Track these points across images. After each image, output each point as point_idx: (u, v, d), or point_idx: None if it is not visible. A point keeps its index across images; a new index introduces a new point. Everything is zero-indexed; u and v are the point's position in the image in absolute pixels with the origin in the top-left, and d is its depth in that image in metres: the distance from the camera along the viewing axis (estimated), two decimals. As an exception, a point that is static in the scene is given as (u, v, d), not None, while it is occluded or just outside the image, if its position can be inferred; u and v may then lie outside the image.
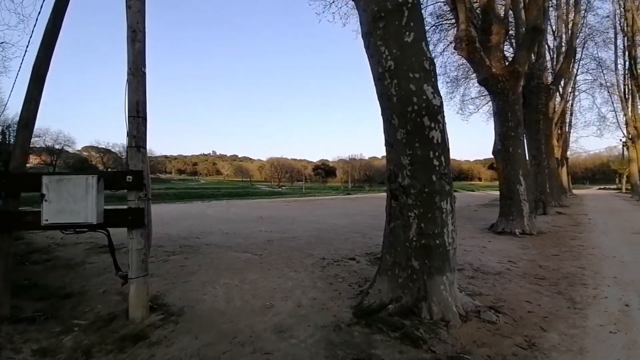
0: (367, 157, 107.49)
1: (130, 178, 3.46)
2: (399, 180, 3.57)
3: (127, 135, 3.58)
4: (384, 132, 3.80)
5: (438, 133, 3.43)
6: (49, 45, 3.31)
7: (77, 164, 68.68)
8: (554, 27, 20.90)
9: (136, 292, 3.50)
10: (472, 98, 24.94)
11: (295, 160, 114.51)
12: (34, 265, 5.78)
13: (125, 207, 3.53)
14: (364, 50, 3.91)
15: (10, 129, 54.76)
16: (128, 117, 3.58)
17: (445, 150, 3.50)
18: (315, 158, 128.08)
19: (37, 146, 63.87)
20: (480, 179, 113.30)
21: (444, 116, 3.54)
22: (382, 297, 3.61)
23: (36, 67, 3.27)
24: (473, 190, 62.19)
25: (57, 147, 65.66)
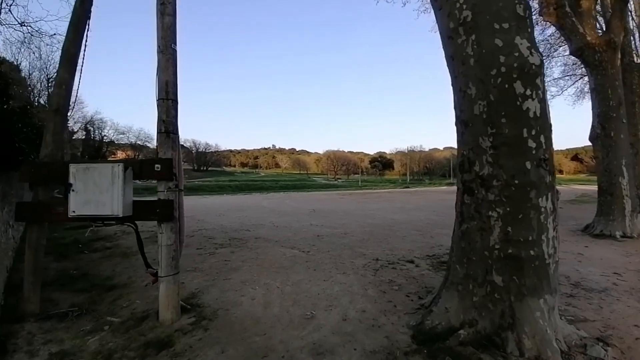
0: (427, 149, 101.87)
1: (158, 167, 3.15)
2: (476, 169, 2.71)
3: (157, 119, 3.28)
4: (455, 108, 2.95)
5: (535, 103, 2.50)
6: (78, 26, 3.13)
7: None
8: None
9: (166, 292, 3.20)
10: (554, 79, 21.47)
11: (352, 152, 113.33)
12: (93, 253, 6.03)
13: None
14: (430, 3, 3.08)
15: (93, 125, 62.50)
16: (157, 99, 3.28)
17: (546, 126, 2.56)
18: (372, 150, 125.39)
19: (123, 142, 72.88)
20: (561, 172, 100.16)
21: (543, 80, 2.58)
22: (450, 318, 2.82)
23: (65, 49, 3.10)
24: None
25: (139, 143, 73.88)
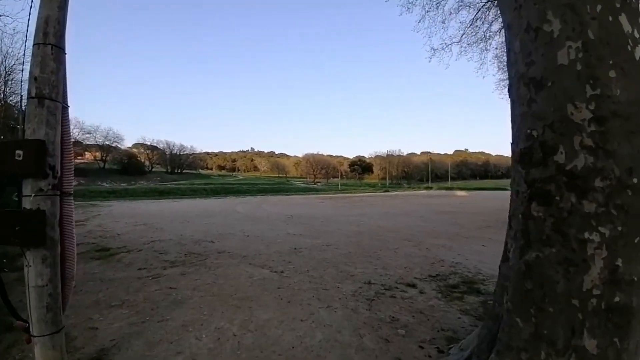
0: (405, 153, 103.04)
1: (20, 154, 1.85)
2: (559, 160, 1.61)
3: (28, 78, 1.99)
4: (514, 62, 1.84)
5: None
6: None
7: (125, 159, 72.30)
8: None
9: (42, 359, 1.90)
10: None
11: (331, 156, 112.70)
12: (13, 272, 4.49)
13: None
14: None
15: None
16: (33, 45, 1.99)
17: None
18: (351, 154, 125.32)
19: (90, 143, 68.59)
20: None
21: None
22: (511, 408, 1.70)
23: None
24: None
25: (107, 143, 69.77)
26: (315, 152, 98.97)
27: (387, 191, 49.81)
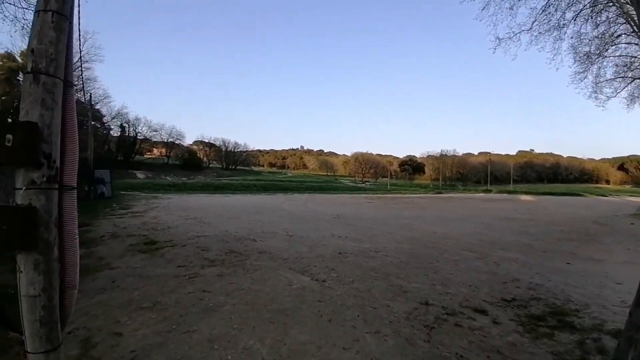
0: (460, 153, 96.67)
1: (10, 138, 1.56)
2: None
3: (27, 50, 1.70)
4: None
5: None
6: None
7: (186, 155, 77.73)
8: None
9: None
10: (607, 80, 18.05)
11: (380, 155, 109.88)
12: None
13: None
14: None
15: (128, 122, 64.42)
16: (34, 13, 1.70)
17: None
18: (401, 153, 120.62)
19: (156, 140, 75.03)
20: (608, 182, 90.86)
21: None
22: None
23: None
24: (605, 195, 49.32)
25: (170, 140, 75.68)
26: (364, 151, 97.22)
27: (440, 193, 46.99)
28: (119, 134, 64.88)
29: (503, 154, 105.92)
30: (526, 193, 47.34)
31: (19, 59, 21.78)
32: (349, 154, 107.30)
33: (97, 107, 40.65)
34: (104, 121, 54.68)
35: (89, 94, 24.31)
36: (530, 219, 13.22)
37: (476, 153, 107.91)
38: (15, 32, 6.82)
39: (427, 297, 3.71)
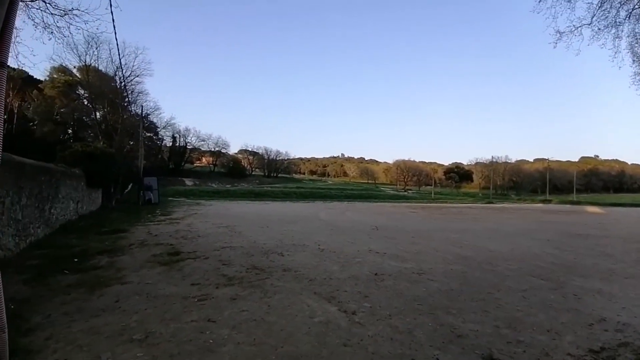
0: (513, 160, 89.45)
1: None
2: None
3: None
4: None
5: None
6: None
7: (231, 164, 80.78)
8: None
9: None
10: None
11: (424, 162, 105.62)
12: (74, 274, 4.32)
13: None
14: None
15: (180, 133, 68.29)
16: None
17: None
18: (447, 161, 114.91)
19: (204, 149, 79.16)
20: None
21: None
22: None
23: None
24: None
25: (217, 149, 79.37)
26: (407, 158, 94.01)
27: (491, 203, 43.43)
28: (170, 143, 69.47)
29: (563, 160, 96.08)
30: (592, 204, 42.11)
31: (77, 74, 23.88)
32: (390, 161, 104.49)
33: (151, 119, 43.56)
34: (158, 132, 58.90)
35: (140, 106, 25.92)
36: (604, 235, 11.18)
37: (531, 159, 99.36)
38: (58, 44, 7.03)
39: (491, 348, 2.77)
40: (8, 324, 3.06)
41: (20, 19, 6.80)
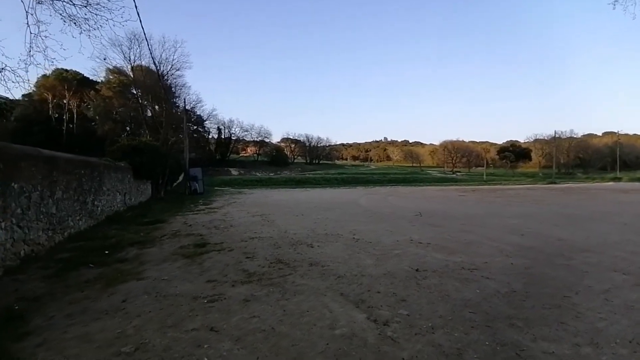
0: (579, 135, 79.66)
1: None
2: None
3: None
4: None
5: None
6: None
7: (274, 152, 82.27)
8: None
9: None
10: None
11: (474, 142, 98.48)
12: (102, 267, 4.19)
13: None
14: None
15: (224, 125, 70.56)
16: None
17: None
18: (500, 139, 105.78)
19: (247, 139, 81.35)
20: None
21: None
22: None
23: None
24: None
25: (260, 139, 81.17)
26: (455, 139, 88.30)
27: (554, 183, 39.11)
28: (216, 135, 72.33)
29: (631, 134, 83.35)
30: None
31: (130, 74, 25.27)
32: (436, 143, 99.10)
33: (194, 111, 45.30)
34: (205, 125, 61.51)
35: (183, 99, 26.85)
36: None
37: (599, 133, 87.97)
38: (94, 42, 6.96)
39: (578, 385, 1.96)
40: (7, 326, 2.93)
41: (46, 13, 6.85)
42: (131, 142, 15.45)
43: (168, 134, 23.85)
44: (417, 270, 4.29)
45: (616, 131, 67.72)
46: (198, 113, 49.23)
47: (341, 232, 7.07)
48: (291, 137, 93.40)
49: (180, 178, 27.24)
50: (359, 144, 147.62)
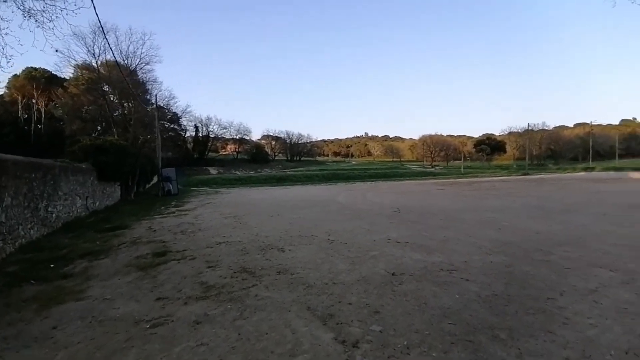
0: (551, 127, 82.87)
1: None
2: None
3: None
4: None
5: None
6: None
7: (254, 150, 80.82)
8: None
9: None
10: None
11: (451, 136, 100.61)
12: (41, 284, 3.63)
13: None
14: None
15: (202, 122, 68.51)
16: None
17: None
18: (477, 133, 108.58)
19: (226, 137, 79.40)
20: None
21: None
22: None
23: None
24: None
25: (239, 136, 79.42)
26: (433, 133, 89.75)
27: (527, 174, 40.34)
28: (194, 133, 70.18)
29: (604, 124, 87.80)
30: (636, 169, 37.92)
31: (101, 70, 23.75)
32: (416, 137, 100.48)
33: (171, 109, 43.59)
34: (181, 123, 59.39)
35: (154, 95, 25.57)
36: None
37: (571, 125, 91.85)
38: (65, 36, 6.37)
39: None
40: None
41: (10, 10, 6.25)
42: (94, 142, 14.44)
43: (137, 132, 22.68)
44: (393, 274, 3.97)
45: (589, 122, 70.65)
46: (173, 110, 47.42)
47: (316, 232, 6.69)
48: (272, 134, 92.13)
49: (155, 179, 26.11)
50: (340, 139, 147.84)
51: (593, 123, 71.90)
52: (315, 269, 4.24)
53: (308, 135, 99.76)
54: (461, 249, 5.13)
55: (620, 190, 15.19)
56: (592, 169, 45.87)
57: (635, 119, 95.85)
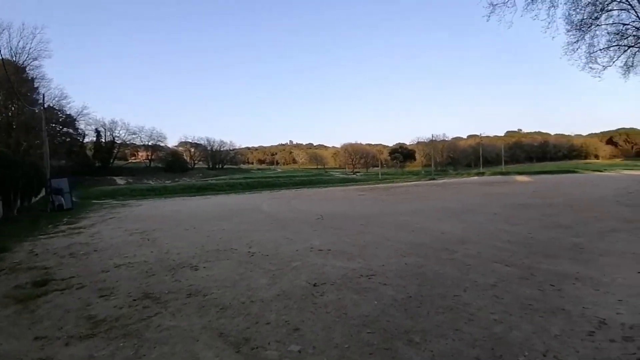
0: (449, 138, 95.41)
1: None
2: None
3: None
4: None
5: None
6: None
7: (170, 158, 74.38)
8: None
9: None
10: (602, 49, 16.43)
11: (370, 145, 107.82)
12: None
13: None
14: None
15: (105, 127, 60.68)
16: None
17: None
18: (391, 142, 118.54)
19: (136, 143, 71.42)
20: (597, 157, 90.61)
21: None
22: None
23: None
24: (600, 171, 48.32)
25: (152, 143, 72.23)
26: (354, 142, 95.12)
27: (433, 179, 45.40)
28: (94, 139, 61.44)
29: (492, 135, 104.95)
30: (520, 173, 46.02)
31: None
32: (338, 145, 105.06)
33: (64, 110, 37.50)
34: (77, 126, 51.36)
35: (42, 94, 21.59)
36: (548, 204, 11.41)
37: (465, 136, 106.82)
38: None
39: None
40: None
41: None
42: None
43: (21, 137, 18.88)
44: (314, 285, 3.86)
45: (479, 134, 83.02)
46: (67, 112, 40.87)
47: (236, 245, 6.27)
48: (190, 141, 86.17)
49: (43, 191, 21.98)
50: (265, 147, 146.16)
51: (482, 135, 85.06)
52: (232, 287, 3.89)
53: (231, 142, 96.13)
54: (380, 252, 5.32)
55: (508, 192, 17.95)
56: (483, 173, 53.74)
57: (520, 130, 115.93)
